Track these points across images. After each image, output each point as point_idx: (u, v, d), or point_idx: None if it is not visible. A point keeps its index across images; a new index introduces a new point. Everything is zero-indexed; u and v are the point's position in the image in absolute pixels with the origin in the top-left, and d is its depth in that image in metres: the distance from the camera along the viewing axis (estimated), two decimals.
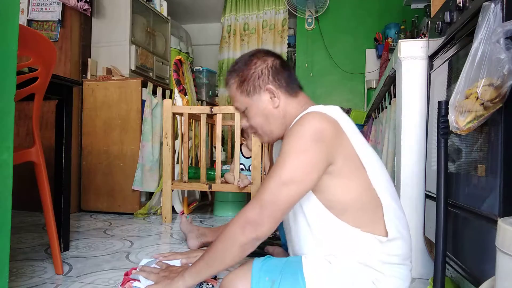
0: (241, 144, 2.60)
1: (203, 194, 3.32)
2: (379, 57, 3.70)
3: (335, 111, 0.92)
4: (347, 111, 3.31)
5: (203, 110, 2.45)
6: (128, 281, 1.17)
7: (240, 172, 2.40)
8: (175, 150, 2.73)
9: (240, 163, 2.55)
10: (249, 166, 2.58)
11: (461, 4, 1.12)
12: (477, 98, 0.85)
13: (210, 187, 2.36)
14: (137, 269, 1.20)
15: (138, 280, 1.14)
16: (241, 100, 1.00)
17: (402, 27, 3.49)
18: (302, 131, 0.86)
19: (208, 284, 1.21)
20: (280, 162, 0.86)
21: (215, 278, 1.28)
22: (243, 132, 2.63)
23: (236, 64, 1.01)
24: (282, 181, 0.84)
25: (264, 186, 0.86)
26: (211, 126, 3.32)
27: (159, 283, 1.01)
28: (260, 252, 1.44)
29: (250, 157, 2.44)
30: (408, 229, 0.96)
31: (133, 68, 2.89)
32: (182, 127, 2.56)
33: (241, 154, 2.61)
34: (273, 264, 0.93)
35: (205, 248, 1.64)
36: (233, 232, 0.87)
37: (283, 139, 0.92)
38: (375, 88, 3.28)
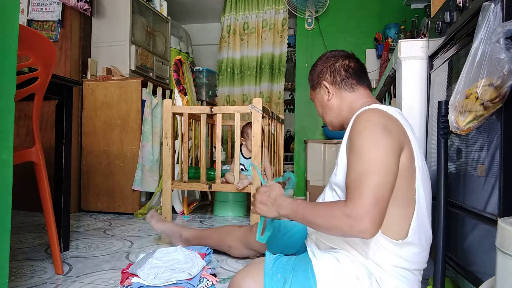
0: (240, 145, 2.59)
1: (203, 194, 3.32)
2: (379, 57, 3.69)
3: (395, 111, 0.96)
4: None
5: (203, 110, 2.44)
6: (127, 277, 1.17)
7: (240, 172, 2.40)
8: (175, 150, 2.73)
9: (240, 164, 2.54)
10: (248, 167, 2.58)
11: (461, 4, 1.12)
12: (477, 98, 0.85)
13: (210, 187, 2.36)
14: (134, 264, 1.21)
15: (137, 275, 1.15)
16: (310, 92, 1.19)
17: (402, 27, 3.49)
18: (370, 126, 0.88)
19: (208, 281, 1.21)
20: (361, 159, 0.85)
21: (214, 275, 1.28)
22: (242, 132, 2.62)
23: (313, 64, 1.19)
24: (370, 179, 0.81)
25: (358, 184, 0.83)
26: (211, 126, 3.32)
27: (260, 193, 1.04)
28: None
29: (250, 157, 2.44)
30: (429, 244, 0.96)
31: (133, 68, 2.89)
32: (182, 127, 2.56)
33: (240, 155, 2.61)
34: (284, 261, 0.96)
35: None
36: (336, 221, 0.83)
37: (350, 133, 0.93)
38: (375, 88, 3.27)
